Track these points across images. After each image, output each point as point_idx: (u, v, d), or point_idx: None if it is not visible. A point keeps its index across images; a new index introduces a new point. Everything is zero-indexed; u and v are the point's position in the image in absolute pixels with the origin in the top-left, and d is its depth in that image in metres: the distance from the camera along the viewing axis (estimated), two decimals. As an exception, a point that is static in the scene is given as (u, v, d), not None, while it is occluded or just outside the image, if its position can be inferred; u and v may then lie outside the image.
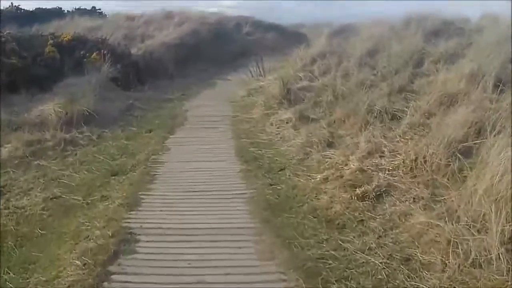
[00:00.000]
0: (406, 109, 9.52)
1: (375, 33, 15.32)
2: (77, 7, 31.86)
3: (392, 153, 7.86)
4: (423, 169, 7.22)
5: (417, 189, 6.85)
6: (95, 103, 11.95)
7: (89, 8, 32.41)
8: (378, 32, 15.59)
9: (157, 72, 17.75)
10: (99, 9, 32.98)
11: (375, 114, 9.57)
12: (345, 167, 7.77)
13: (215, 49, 22.05)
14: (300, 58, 14.42)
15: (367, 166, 7.59)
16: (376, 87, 11.69)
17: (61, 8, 31.38)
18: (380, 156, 7.85)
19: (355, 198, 6.83)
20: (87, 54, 16.17)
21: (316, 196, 7.13)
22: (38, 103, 11.70)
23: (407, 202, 6.63)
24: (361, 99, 10.06)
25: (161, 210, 6.84)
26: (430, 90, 10.12)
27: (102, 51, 15.97)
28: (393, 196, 6.82)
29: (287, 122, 10.55)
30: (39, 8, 30.36)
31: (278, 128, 10.52)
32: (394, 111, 9.60)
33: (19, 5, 29.38)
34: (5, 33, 15.22)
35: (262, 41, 26.53)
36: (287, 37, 29.42)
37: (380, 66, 12.85)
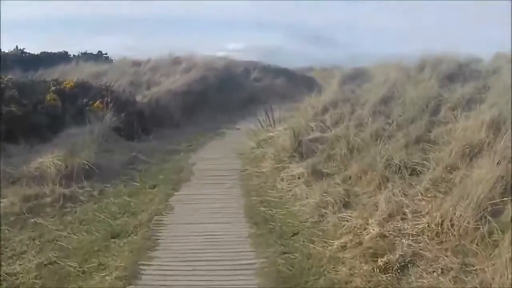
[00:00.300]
0: (425, 162, 8.95)
1: (388, 77, 14.79)
2: (83, 52, 31.90)
3: (415, 215, 7.23)
4: (450, 234, 6.57)
5: (445, 257, 6.20)
6: (97, 156, 11.47)
7: (95, 52, 32.39)
8: (392, 76, 15.07)
9: (163, 121, 17.29)
10: (105, 54, 32.91)
11: (393, 168, 8.96)
12: (364, 232, 7.13)
13: (223, 96, 21.64)
14: (311, 106, 13.86)
15: (388, 231, 6.94)
16: (392, 138, 11.14)
17: (67, 52, 31.41)
18: (402, 219, 7.21)
19: (377, 270, 6.16)
20: (90, 102, 15.75)
21: (333, 268, 6.44)
22: (37, 154, 11.15)
23: (435, 273, 5.99)
24: (377, 152, 9.45)
25: (161, 286, 6.17)
26: (449, 139, 9.60)
27: (106, 99, 15.54)
28: (419, 267, 6.16)
29: (299, 178, 9.92)
30: (44, 52, 30.21)
31: (289, 184, 9.88)
32: (414, 164, 9.00)
33: (24, 49, 29.22)
34: (5, 79, 14.78)
35: (271, 88, 26.19)
36: (296, 82, 29.15)
37: (395, 114, 12.28)
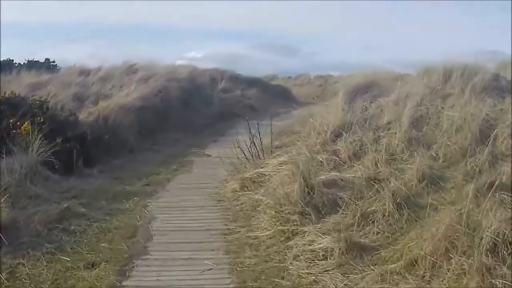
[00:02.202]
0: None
1: (409, 90, 11.27)
2: (29, 59, 28.56)
3: None
4: None
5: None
6: (10, 210, 7.61)
7: (42, 60, 28.90)
8: (413, 89, 11.57)
9: (113, 146, 13.37)
10: (53, 61, 29.30)
11: (486, 245, 5.35)
12: None
13: (188, 112, 17.83)
14: (315, 130, 10.16)
15: None
16: (447, 180, 7.63)
17: (12, 60, 28.38)
18: None
19: None
20: (18, 123, 11.74)
21: None
22: None
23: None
24: (451, 216, 5.82)
25: None
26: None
27: (38, 118, 11.63)
28: None
29: (325, 257, 6.15)
30: (-16, 60, 26.21)
31: (311, 267, 6.05)
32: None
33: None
34: None
35: (243, 100, 22.43)
36: (271, 93, 25.64)
37: (439, 143, 8.78)
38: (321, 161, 8.70)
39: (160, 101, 17.35)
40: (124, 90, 18.39)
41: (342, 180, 7.92)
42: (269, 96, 25.08)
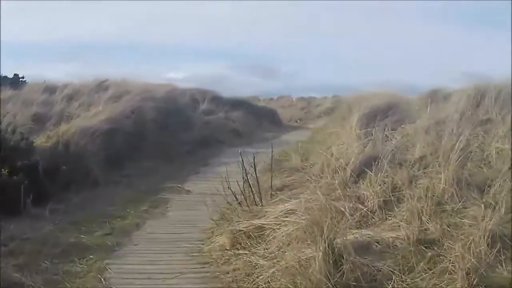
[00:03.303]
0: None
1: (437, 115, 9.14)
2: None
3: None
4: None
5: None
6: None
7: (11, 75, 26.12)
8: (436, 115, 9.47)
9: (73, 178, 10.96)
10: (22, 77, 26.66)
11: None
12: None
13: (165, 137, 15.41)
14: (329, 168, 7.85)
15: None
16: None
17: None
18: None
19: None
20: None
21: None
22: None
23: None
24: None
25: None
26: None
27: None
28: None
29: None
30: None
31: None
32: None
33: None
34: None
35: (227, 123, 20.10)
36: (257, 116, 23.33)
37: (496, 187, 6.62)
38: (343, 211, 6.38)
39: (133, 123, 14.97)
40: (92, 110, 15.99)
41: (378, 242, 5.64)
42: (254, 119, 22.87)
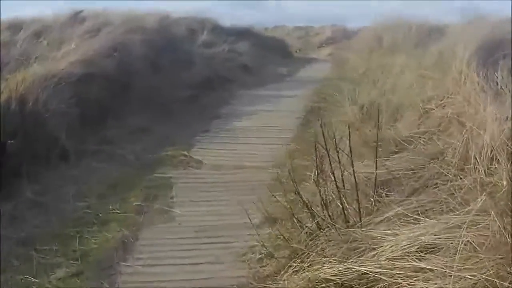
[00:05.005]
0: None
1: None
2: None
3: None
4: None
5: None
6: None
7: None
8: None
9: (31, 149, 7.50)
10: (-6, 11, 23.32)
11: None
12: None
13: (159, 80, 11.79)
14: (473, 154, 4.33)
15: None
16: None
17: None
18: None
19: None
20: None
21: None
22: None
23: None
24: None
25: None
26: None
27: None
28: None
29: None
30: None
31: None
32: None
33: None
34: None
35: (233, 57, 16.47)
36: (263, 48, 19.82)
37: None
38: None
39: (115, 65, 11.28)
40: (62, 50, 12.29)
41: None
42: (262, 52, 19.29)
